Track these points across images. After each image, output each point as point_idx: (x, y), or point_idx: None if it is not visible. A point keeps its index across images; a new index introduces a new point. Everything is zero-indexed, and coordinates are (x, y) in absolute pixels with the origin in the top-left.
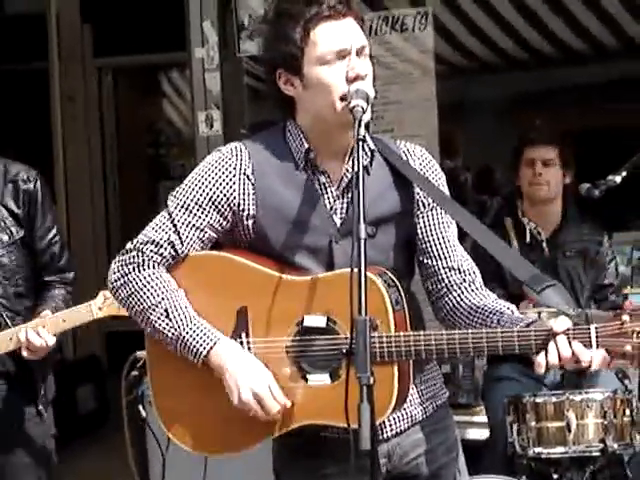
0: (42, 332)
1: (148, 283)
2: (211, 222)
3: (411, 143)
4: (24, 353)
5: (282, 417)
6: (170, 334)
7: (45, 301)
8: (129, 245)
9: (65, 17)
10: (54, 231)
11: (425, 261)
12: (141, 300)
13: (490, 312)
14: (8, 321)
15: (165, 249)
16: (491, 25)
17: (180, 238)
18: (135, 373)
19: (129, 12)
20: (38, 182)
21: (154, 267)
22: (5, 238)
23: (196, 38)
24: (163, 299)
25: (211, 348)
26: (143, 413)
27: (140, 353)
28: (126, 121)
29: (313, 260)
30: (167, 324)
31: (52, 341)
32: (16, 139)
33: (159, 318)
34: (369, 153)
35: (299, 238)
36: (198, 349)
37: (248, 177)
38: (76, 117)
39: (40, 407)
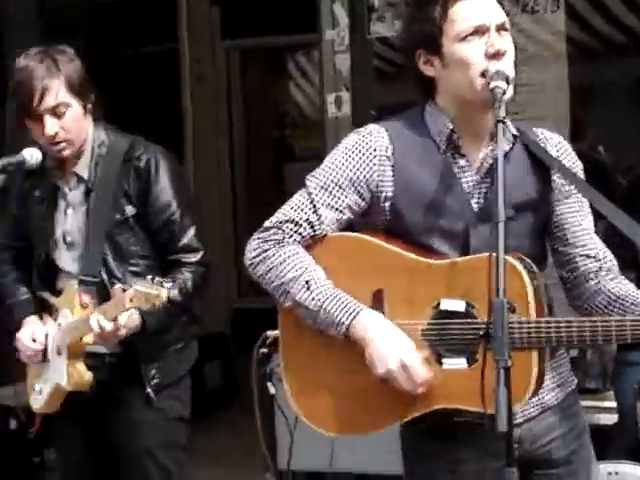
0: (100, 319)
1: (288, 257)
2: (349, 203)
3: (549, 130)
4: (93, 338)
5: (415, 400)
6: (311, 306)
7: None
8: (268, 223)
9: None
10: (172, 209)
11: (561, 249)
12: (281, 274)
13: (630, 302)
14: None
15: (304, 229)
16: (621, 7)
17: (319, 219)
18: (264, 350)
19: None
20: (152, 159)
21: (294, 244)
22: (118, 217)
23: (327, 20)
24: (304, 272)
25: (354, 318)
26: (272, 390)
27: (271, 332)
28: (253, 102)
29: (449, 244)
30: (308, 296)
31: (108, 327)
32: (147, 120)
33: (300, 290)
34: (510, 138)
35: (436, 222)
36: (341, 319)
37: (388, 159)
38: (205, 98)
39: (148, 390)
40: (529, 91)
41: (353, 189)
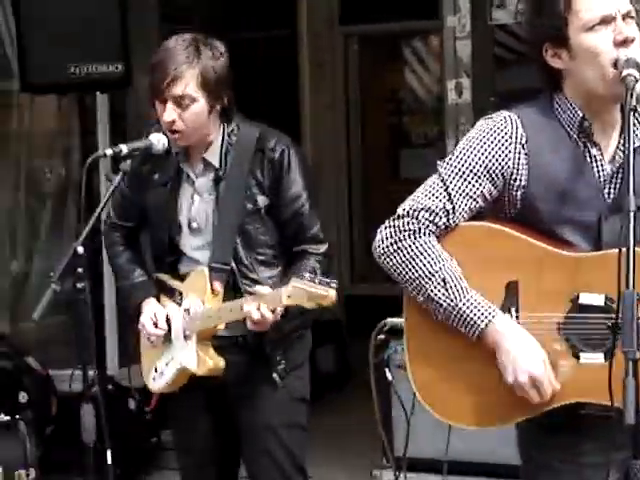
0: (262, 307)
1: (425, 251)
2: (483, 191)
3: None
4: (247, 324)
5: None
6: (446, 304)
7: (292, 272)
8: (401, 211)
9: None
10: (302, 201)
11: None
12: (416, 268)
13: None
14: (244, 288)
15: (440, 218)
16: None
17: (454, 207)
18: (382, 337)
19: None
20: (286, 151)
21: (429, 235)
22: (250, 206)
23: (448, 6)
24: (441, 268)
25: (489, 322)
26: (389, 376)
27: (390, 320)
28: (370, 88)
29: (580, 235)
30: (443, 294)
31: (269, 316)
32: (265, 104)
33: (435, 287)
34: None
35: (568, 212)
36: (475, 322)
37: (523, 146)
38: (323, 84)
39: (274, 376)
40: None
41: (488, 177)
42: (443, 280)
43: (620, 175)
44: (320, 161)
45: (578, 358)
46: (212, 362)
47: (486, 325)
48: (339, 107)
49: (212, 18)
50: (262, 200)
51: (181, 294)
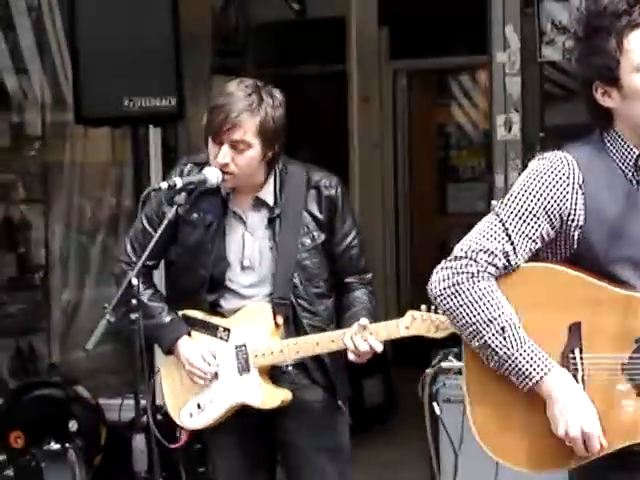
0: (370, 339)
1: (485, 296)
2: (542, 232)
3: None
4: (351, 357)
5: (612, 436)
6: (502, 352)
7: (352, 304)
8: (458, 252)
9: (363, 20)
10: (352, 234)
11: None
12: (475, 313)
13: None
14: (306, 322)
15: (500, 260)
16: None
17: (514, 249)
18: (430, 371)
19: (425, 15)
20: (339, 188)
21: (488, 279)
22: (308, 242)
23: (498, 43)
24: (500, 315)
25: (545, 374)
26: (437, 410)
27: (440, 353)
28: (418, 123)
29: (637, 274)
30: (501, 342)
31: (380, 348)
32: (314, 139)
33: (493, 335)
34: None
35: (624, 250)
36: (531, 373)
37: (580, 187)
38: (371, 118)
39: (339, 402)
40: None
41: (546, 218)
42: (502, 328)
43: None
44: (368, 194)
45: None
46: (283, 395)
47: (541, 377)
48: (387, 142)
49: (264, 53)
50: (319, 236)
51: (226, 330)
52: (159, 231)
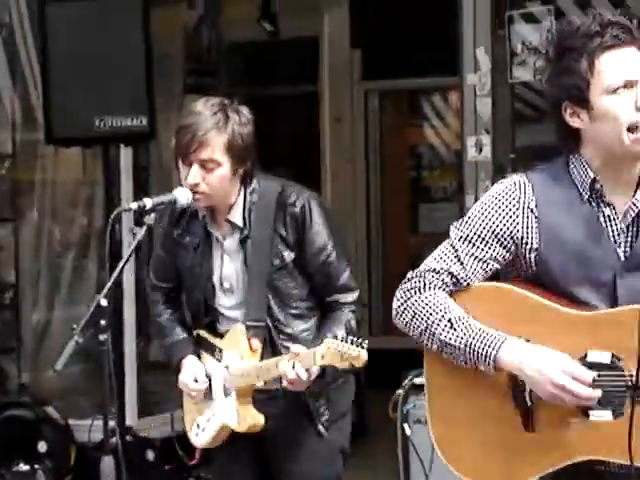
0: (297, 367)
1: (430, 302)
2: (494, 255)
3: None
4: (283, 383)
5: (559, 451)
6: (458, 343)
7: (327, 325)
8: (410, 274)
9: (336, 41)
10: (327, 252)
11: None
12: (424, 318)
13: None
14: (280, 343)
15: (446, 277)
16: None
17: (464, 269)
18: (400, 392)
19: (397, 37)
20: (306, 205)
21: (434, 290)
22: (277, 262)
23: (469, 64)
24: (445, 312)
25: (500, 346)
26: (408, 431)
27: (410, 373)
28: (390, 143)
29: (595, 294)
30: (453, 334)
31: (304, 375)
32: (286, 159)
33: (444, 330)
34: None
35: (582, 271)
36: (488, 351)
37: (532, 210)
38: (343, 139)
39: (319, 427)
40: None
41: (497, 241)
42: (449, 321)
43: (633, 232)
44: (340, 215)
45: (588, 415)
46: (251, 419)
47: (498, 350)
48: (359, 162)
49: (236, 73)
50: (288, 255)
51: (221, 351)
52: (128, 253)
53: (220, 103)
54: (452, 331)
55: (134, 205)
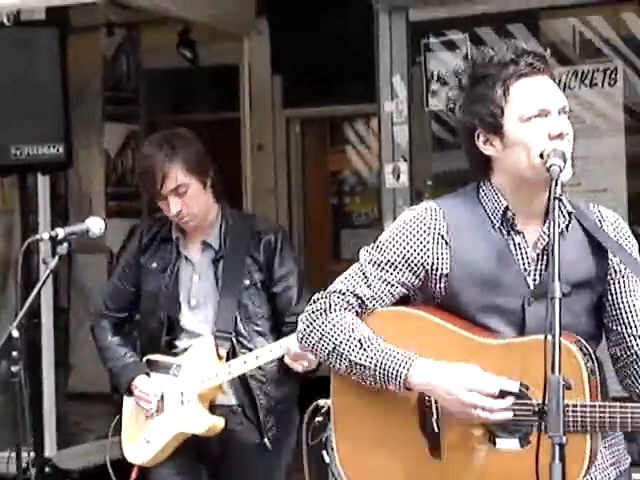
0: (291, 344)
1: (337, 323)
2: (403, 280)
3: (604, 207)
4: (286, 360)
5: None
6: (368, 363)
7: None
8: (316, 296)
9: (256, 69)
10: (291, 279)
11: (614, 327)
12: (332, 339)
13: None
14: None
15: (352, 298)
16: None
17: (371, 291)
18: (319, 419)
19: (317, 64)
20: (279, 234)
21: (341, 311)
22: (247, 282)
23: (385, 92)
24: (354, 332)
25: (411, 365)
26: (326, 459)
27: (322, 401)
28: (312, 170)
29: (504, 322)
30: (362, 353)
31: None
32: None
33: (353, 350)
34: (567, 215)
35: (491, 299)
36: (399, 370)
37: (442, 237)
38: (265, 166)
39: (265, 440)
40: (584, 163)
41: (406, 266)
42: (359, 341)
43: (542, 262)
44: None
45: (494, 444)
46: (211, 420)
47: (408, 370)
48: (281, 189)
49: (156, 100)
50: (258, 276)
51: (178, 366)
52: (39, 283)
53: (160, 137)
54: (362, 351)
55: (46, 235)
